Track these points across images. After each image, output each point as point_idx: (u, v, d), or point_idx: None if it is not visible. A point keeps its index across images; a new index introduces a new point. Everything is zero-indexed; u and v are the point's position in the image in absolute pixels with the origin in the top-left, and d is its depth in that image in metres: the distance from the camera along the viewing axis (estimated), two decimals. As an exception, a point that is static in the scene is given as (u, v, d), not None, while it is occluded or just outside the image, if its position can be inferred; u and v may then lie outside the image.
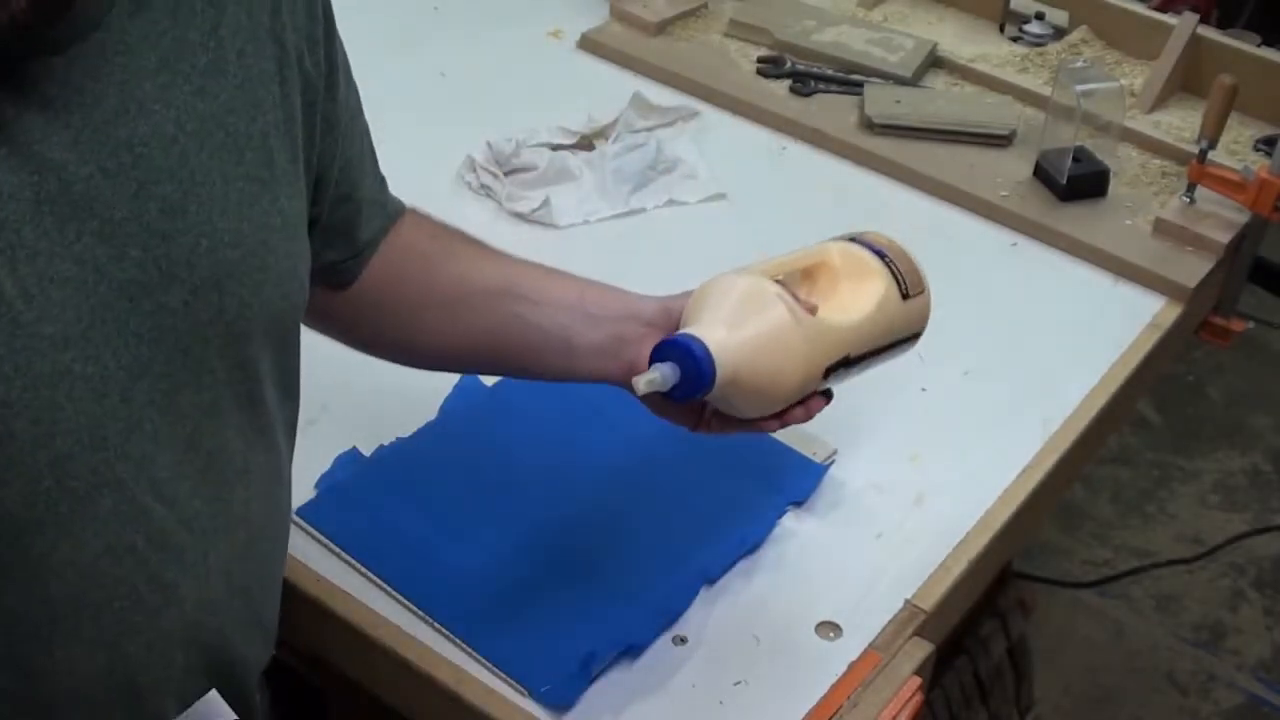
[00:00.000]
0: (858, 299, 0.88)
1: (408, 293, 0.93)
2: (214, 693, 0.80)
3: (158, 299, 0.69)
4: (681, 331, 0.82)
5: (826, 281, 0.88)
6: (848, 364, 0.87)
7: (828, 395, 0.89)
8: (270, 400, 0.80)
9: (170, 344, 0.70)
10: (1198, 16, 1.52)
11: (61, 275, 0.65)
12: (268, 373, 0.78)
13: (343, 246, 0.88)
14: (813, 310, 0.84)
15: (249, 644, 0.83)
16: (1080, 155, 1.37)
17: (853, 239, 0.91)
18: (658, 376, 0.80)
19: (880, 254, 0.89)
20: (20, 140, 0.63)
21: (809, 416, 0.88)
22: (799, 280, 0.87)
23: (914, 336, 0.93)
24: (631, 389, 0.82)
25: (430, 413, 1.11)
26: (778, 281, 0.84)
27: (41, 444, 0.66)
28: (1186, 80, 1.52)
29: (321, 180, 0.83)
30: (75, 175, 0.65)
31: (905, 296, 0.89)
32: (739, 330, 0.81)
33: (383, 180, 0.92)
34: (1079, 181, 1.36)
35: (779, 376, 0.83)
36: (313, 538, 1.01)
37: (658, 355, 0.81)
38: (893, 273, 0.89)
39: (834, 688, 0.93)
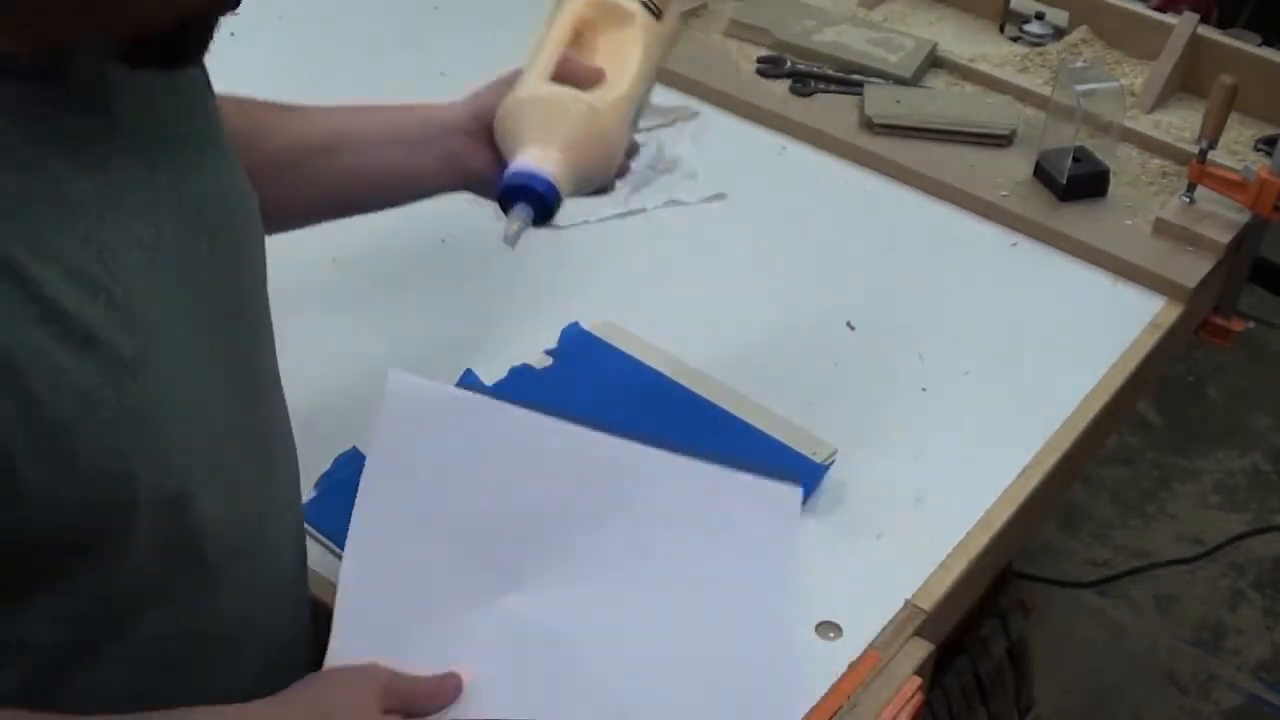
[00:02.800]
0: (625, 42, 0.93)
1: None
2: None
3: (212, 269, 0.75)
4: (516, 169, 0.87)
5: (590, 36, 0.93)
6: (642, 107, 0.95)
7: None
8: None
9: (227, 306, 0.77)
10: (1198, 16, 1.52)
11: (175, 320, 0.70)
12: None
13: None
14: (600, 76, 0.90)
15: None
16: (1080, 155, 1.37)
17: None
18: (519, 224, 0.86)
19: None
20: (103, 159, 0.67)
21: (629, 168, 0.98)
22: (574, 52, 0.92)
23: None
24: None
25: (430, 413, 1.11)
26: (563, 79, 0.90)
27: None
28: (1186, 80, 1.52)
29: None
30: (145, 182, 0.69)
31: (658, 17, 0.94)
32: (557, 144, 0.88)
33: None
34: (1079, 181, 1.36)
35: (605, 160, 0.91)
36: (313, 537, 1.00)
37: (506, 198, 0.87)
38: (641, 1, 0.93)
39: (834, 688, 0.93)
